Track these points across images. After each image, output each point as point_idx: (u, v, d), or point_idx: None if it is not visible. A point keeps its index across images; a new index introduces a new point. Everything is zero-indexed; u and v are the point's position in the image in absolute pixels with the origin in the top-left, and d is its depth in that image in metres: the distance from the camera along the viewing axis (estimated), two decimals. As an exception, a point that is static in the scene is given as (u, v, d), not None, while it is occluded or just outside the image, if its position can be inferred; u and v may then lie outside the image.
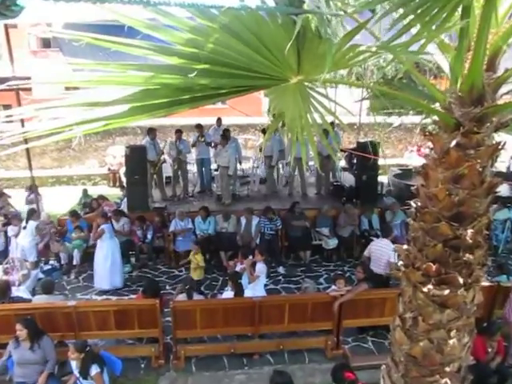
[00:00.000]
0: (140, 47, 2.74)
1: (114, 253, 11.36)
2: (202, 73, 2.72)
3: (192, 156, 16.15)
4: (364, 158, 13.25)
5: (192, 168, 16.70)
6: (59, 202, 16.95)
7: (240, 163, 16.12)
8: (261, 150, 15.26)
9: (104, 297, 11.06)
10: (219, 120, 16.76)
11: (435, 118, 3.27)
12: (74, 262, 12.29)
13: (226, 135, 14.63)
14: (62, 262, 12.44)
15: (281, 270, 12.42)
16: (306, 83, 3.17)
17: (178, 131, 15.14)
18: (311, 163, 16.18)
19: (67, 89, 2.92)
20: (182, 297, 9.10)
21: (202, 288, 11.09)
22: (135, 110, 2.79)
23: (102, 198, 14.97)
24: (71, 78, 2.77)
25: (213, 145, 15.31)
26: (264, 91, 3.74)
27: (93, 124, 2.77)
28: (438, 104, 3.28)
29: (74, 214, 12.80)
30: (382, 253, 9.84)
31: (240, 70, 2.88)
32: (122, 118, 2.80)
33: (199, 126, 15.50)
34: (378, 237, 11.56)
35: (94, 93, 2.85)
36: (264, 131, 16.49)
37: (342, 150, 16.32)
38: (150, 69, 2.77)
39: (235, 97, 3.11)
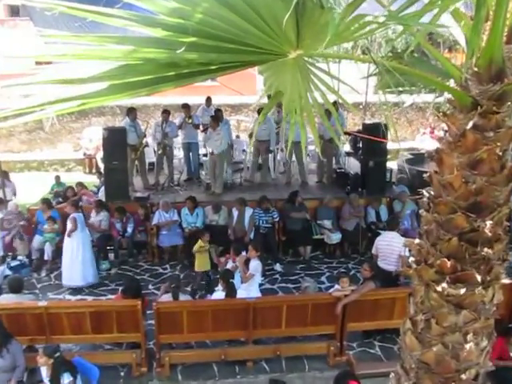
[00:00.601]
0: (120, 17, 2.73)
1: (85, 245, 11.40)
2: (189, 46, 2.72)
3: (178, 140, 16.15)
4: (371, 141, 13.25)
5: (178, 153, 16.68)
6: (29, 190, 16.93)
7: (232, 148, 16.08)
8: (251, 136, 15.19)
9: (79, 297, 11.11)
10: (209, 99, 16.72)
11: (450, 96, 3.28)
12: (46, 258, 12.31)
13: (217, 116, 14.61)
14: (33, 257, 12.45)
15: (278, 267, 12.50)
16: (306, 58, 3.18)
17: (165, 112, 15.14)
18: (311, 148, 16.19)
19: (38, 63, 2.92)
20: (167, 297, 9.13)
21: (189, 287, 11.15)
22: (114, 88, 2.80)
23: (80, 185, 14.96)
24: (43, 52, 2.76)
25: (202, 128, 15.31)
26: (258, 67, 3.76)
27: (67, 103, 2.77)
28: (452, 81, 3.29)
29: (45, 202, 12.79)
30: (392, 248, 9.90)
31: (232, 44, 2.88)
32: (100, 97, 2.80)
33: (186, 106, 15.49)
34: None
35: (69, 68, 2.85)
36: (260, 112, 16.46)
37: (346, 133, 16.34)
38: (131, 42, 2.77)
39: (226, 74, 3.11)
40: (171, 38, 2.76)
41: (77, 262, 11.28)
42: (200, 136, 15.55)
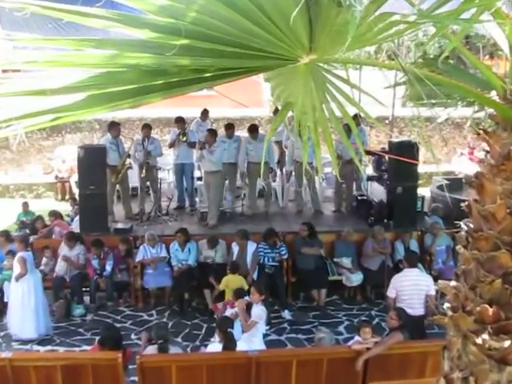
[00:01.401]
0: (100, 17, 2.75)
1: (37, 290, 11.31)
2: (180, 50, 2.75)
3: (166, 160, 16.16)
4: (399, 163, 13.25)
5: (166, 176, 16.69)
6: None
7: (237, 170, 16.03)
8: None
9: (48, 347, 11.06)
10: (205, 112, 16.82)
11: (491, 110, 3.29)
12: (6, 299, 12.21)
13: (214, 131, 14.71)
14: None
15: (286, 314, 12.41)
16: (321, 64, 3.20)
17: (146, 126, 15.23)
18: (327, 170, 16.20)
19: (5, 72, 2.95)
20: (152, 349, 9.07)
21: (180, 338, 11.11)
22: (93, 100, 2.82)
23: (54, 215, 14.96)
24: (10, 58, 2.78)
25: (198, 146, 15.30)
26: (264, 75, 3.78)
27: (38, 118, 2.78)
28: (494, 92, 3.30)
29: (4, 234, 12.79)
30: (420, 288, 9.90)
31: (232, 47, 2.90)
32: (76, 110, 2.82)
33: (180, 121, 15.58)
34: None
35: (40, 77, 2.87)
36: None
37: (368, 153, 16.35)
38: (113, 45, 2.80)
39: (225, 82, 3.13)
40: (160, 40, 2.79)
41: (28, 309, 11.15)
42: (195, 156, 15.57)
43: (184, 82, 2.95)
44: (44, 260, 12.85)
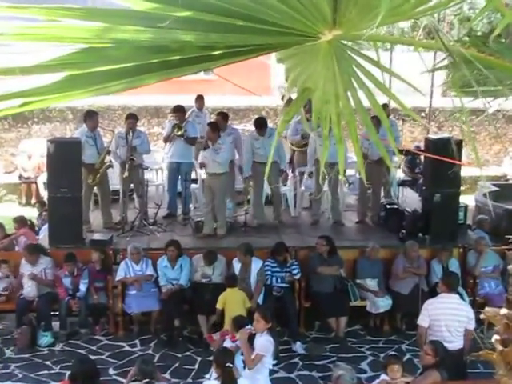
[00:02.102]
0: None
1: None
2: (181, 24, 2.77)
3: (153, 158, 16.13)
4: (437, 164, 13.26)
5: (154, 177, 16.71)
6: None
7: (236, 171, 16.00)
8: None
9: (8, 383, 11.05)
10: (200, 99, 16.81)
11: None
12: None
13: (215, 124, 14.66)
14: None
15: (298, 347, 12.37)
16: (346, 42, 3.21)
17: (131, 117, 15.17)
18: (349, 172, 16.19)
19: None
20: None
21: (168, 374, 11.08)
22: (73, 82, 2.83)
23: (20, 222, 14.93)
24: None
25: (201, 146, 15.24)
26: (277, 54, 3.79)
27: (3, 102, 2.80)
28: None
29: None
30: (459, 317, 9.88)
31: (241, 21, 2.92)
32: (52, 94, 2.84)
33: (179, 110, 15.52)
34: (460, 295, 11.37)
35: (7, 53, 2.89)
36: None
37: (402, 152, 16.33)
38: (100, 16, 2.81)
39: (233, 62, 3.15)
40: (157, 11, 2.80)
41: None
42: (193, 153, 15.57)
43: (185, 61, 2.96)
44: (-1, 276, 12.82)
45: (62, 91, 2.85)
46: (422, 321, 10.11)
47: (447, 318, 9.94)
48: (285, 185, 16.43)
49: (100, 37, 2.81)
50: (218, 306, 11.62)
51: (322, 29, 3.05)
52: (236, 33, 2.93)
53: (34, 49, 2.86)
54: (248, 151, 15.00)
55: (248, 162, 15.06)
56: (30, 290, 12.40)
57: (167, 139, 15.46)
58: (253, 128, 15.31)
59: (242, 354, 9.66)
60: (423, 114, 20.55)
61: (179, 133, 15.05)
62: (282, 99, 16.08)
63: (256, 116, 23.96)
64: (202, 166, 14.32)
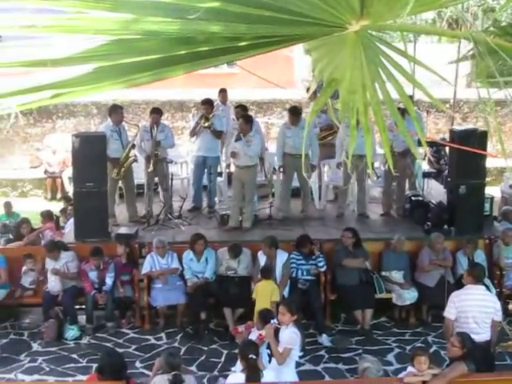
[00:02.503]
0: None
1: None
2: (209, 14, 2.77)
3: (178, 152, 16.09)
4: (462, 156, 13.19)
5: (179, 171, 16.76)
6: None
7: (262, 163, 15.99)
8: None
9: (35, 376, 11.09)
10: (223, 92, 16.79)
11: None
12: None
13: (249, 116, 14.70)
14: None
15: (324, 340, 12.36)
16: (374, 32, 3.21)
17: (155, 111, 15.15)
18: (376, 164, 16.10)
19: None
20: (161, 380, 9.05)
21: (194, 367, 11.10)
22: (103, 73, 2.84)
23: (46, 216, 14.99)
24: (4, 21, 2.81)
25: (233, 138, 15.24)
26: (304, 45, 3.79)
27: (33, 94, 2.81)
28: None
29: None
30: (486, 309, 9.86)
31: (269, 11, 2.92)
32: (83, 86, 2.85)
33: (207, 103, 15.43)
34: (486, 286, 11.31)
35: (37, 45, 2.90)
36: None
37: (429, 143, 16.21)
38: (129, 8, 2.82)
39: (260, 53, 3.15)
40: (185, 2, 2.80)
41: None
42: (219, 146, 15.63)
43: (212, 52, 2.96)
44: (24, 270, 12.88)
45: (91, 83, 2.86)
46: (449, 313, 10.06)
47: (474, 309, 9.87)
48: (309, 177, 16.40)
49: (129, 28, 2.82)
50: (253, 295, 11.71)
51: (350, 19, 3.06)
52: (264, 23, 2.93)
53: (64, 41, 2.87)
54: (280, 141, 15.04)
55: (279, 151, 15.12)
56: (53, 284, 12.44)
57: (194, 132, 15.41)
58: (276, 121, 15.34)
59: (268, 347, 9.68)
60: (447, 106, 20.41)
61: (206, 124, 15.04)
62: (307, 91, 16.05)
63: (279, 109, 24.11)
64: (234, 155, 14.33)
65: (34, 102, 2.81)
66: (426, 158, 17.37)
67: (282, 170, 15.34)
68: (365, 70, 3.24)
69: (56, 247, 12.67)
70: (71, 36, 2.86)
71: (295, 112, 14.97)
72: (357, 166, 14.18)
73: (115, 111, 14.63)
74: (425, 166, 17.13)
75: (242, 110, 15.68)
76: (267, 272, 11.86)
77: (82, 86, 2.84)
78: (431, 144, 16.62)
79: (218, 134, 15.32)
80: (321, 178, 16.24)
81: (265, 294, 11.43)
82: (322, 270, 12.65)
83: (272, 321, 9.67)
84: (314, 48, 3.59)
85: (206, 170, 15.66)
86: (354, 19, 3.06)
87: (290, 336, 9.48)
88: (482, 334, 9.79)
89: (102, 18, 2.81)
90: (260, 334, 9.67)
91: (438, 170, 16.40)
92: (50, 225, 14.71)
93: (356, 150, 4.11)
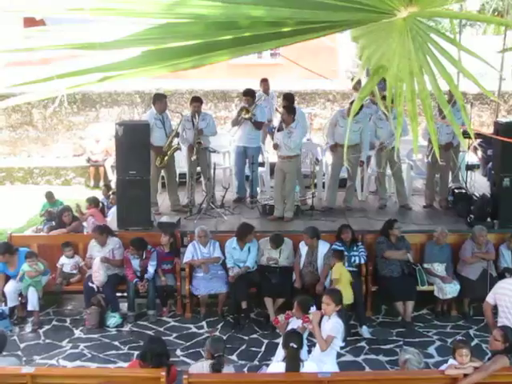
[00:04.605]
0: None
1: None
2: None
3: (220, 141, 16.10)
4: (507, 148, 13.07)
5: (221, 160, 16.80)
6: (10, 210, 17.16)
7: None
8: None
9: (77, 363, 11.16)
10: (265, 82, 16.76)
11: None
12: (30, 308, 12.40)
13: (291, 106, 14.65)
14: (9, 304, 12.43)
15: (364, 331, 12.30)
16: (423, 19, 3.16)
17: (196, 100, 15.12)
18: (419, 156, 16.01)
19: (29, 22, 2.97)
20: (202, 366, 9.05)
21: (235, 356, 11.10)
22: (149, 57, 2.83)
23: (92, 202, 15.09)
24: (53, 4, 2.81)
25: (275, 126, 15.19)
26: (351, 32, 3.75)
27: (82, 77, 2.81)
28: None
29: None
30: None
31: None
32: (130, 69, 2.84)
33: (249, 93, 15.41)
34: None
35: (85, 28, 2.90)
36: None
37: (476, 134, 16.07)
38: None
39: (304, 40, 3.12)
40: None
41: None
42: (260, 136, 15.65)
43: (257, 37, 2.94)
44: (62, 259, 12.98)
45: (139, 66, 2.86)
46: (488, 297, 10.21)
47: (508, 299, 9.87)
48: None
49: (176, 12, 2.80)
50: (334, 276, 11.79)
51: (398, 5, 3.02)
52: (310, 9, 2.90)
53: (109, 24, 2.87)
54: (331, 127, 15.18)
55: (331, 138, 15.18)
56: (97, 275, 12.36)
57: (235, 122, 15.40)
58: (320, 111, 15.32)
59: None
60: (492, 98, 20.21)
61: (246, 116, 15.01)
62: (352, 80, 16.00)
63: (322, 100, 24.02)
64: (275, 147, 14.33)
65: (82, 85, 2.81)
66: (472, 149, 17.26)
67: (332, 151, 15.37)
68: (412, 58, 3.21)
69: (106, 231, 12.79)
70: (118, 19, 2.86)
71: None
72: (387, 157, 14.21)
73: (159, 100, 14.64)
74: (468, 159, 16.99)
75: (287, 100, 15.60)
76: (341, 255, 11.91)
77: (129, 68, 2.85)
78: (481, 135, 16.45)
79: (259, 125, 15.29)
80: (363, 169, 16.12)
81: (345, 275, 11.52)
82: (363, 261, 12.58)
83: (312, 308, 9.67)
84: (361, 35, 3.55)
85: (247, 161, 15.63)
86: (402, 5, 3.02)
87: (334, 326, 9.46)
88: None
89: (149, 1, 2.80)
90: (305, 316, 9.54)
91: (483, 162, 16.26)
92: (92, 210, 14.74)
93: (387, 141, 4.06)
